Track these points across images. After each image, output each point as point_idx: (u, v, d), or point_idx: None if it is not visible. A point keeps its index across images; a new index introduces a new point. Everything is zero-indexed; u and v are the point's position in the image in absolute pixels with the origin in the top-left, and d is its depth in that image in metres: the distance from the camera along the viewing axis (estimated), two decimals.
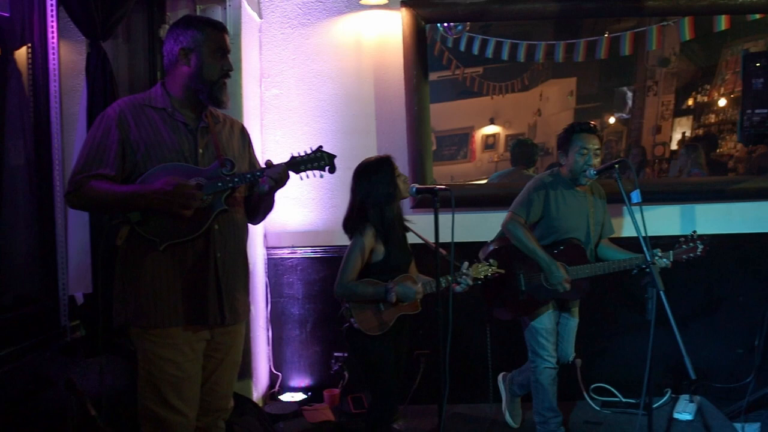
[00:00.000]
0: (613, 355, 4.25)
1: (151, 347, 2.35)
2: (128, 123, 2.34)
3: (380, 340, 3.00)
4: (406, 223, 3.22)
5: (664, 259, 3.35)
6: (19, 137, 2.92)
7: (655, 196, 4.19)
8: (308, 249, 4.27)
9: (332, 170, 2.55)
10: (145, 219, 2.30)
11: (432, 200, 2.81)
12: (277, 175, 2.45)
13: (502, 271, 3.23)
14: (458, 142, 4.67)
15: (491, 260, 3.18)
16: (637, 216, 2.95)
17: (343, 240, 3.15)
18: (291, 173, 2.50)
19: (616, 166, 3.18)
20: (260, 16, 4.30)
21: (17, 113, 2.92)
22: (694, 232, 3.33)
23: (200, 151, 2.42)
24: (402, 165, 4.09)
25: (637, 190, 3.05)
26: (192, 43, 2.39)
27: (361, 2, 4.23)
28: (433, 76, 4.33)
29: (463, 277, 3.05)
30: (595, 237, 3.55)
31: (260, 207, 2.64)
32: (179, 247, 2.35)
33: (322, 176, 2.55)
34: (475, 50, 4.36)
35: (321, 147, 2.54)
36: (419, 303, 3.11)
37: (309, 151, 2.51)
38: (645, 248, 3.03)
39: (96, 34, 2.88)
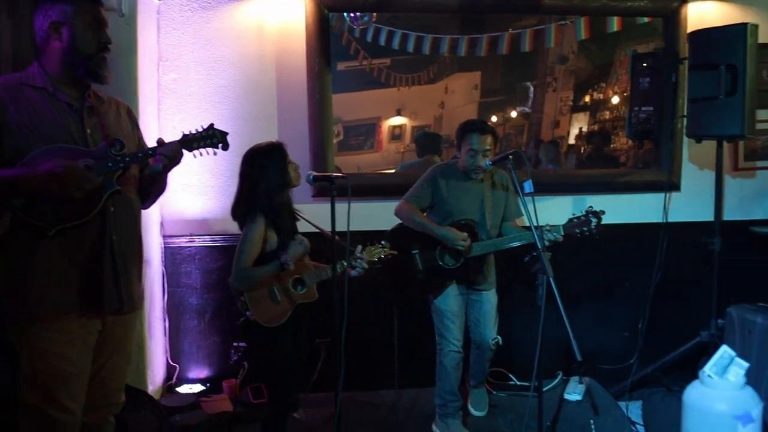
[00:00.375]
0: (508, 341, 4.38)
1: (40, 343, 2.24)
2: (4, 105, 2.22)
3: (278, 332, 2.95)
4: (297, 212, 3.17)
5: (554, 233, 3.40)
6: None
7: (550, 188, 4.36)
8: (207, 237, 4.17)
9: (225, 147, 2.54)
10: (29, 204, 2.18)
11: (329, 188, 2.79)
12: (171, 153, 2.40)
13: (395, 252, 3.28)
14: (365, 133, 4.68)
15: (383, 242, 3.22)
16: (530, 205, 3.07)
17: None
18: (184, 151, 2.47)
19: (510, 157, 3.28)
20: None
21: None
22: (590, 207, 3.41)
23: (88, 131, 2.33)
24: (303, 153, 4.13)
25: (530, 181, 3.15)
26: (62, 16, 2.28)
27: None
28: (340, 66, 4.33)
29: (358, 260, 3.07)
30: (493, 221, 3.65)
31: (152, 188, 2.58)
32: (71, 231, 2.24)
33: (215, 153, 2.54)
34: (382, 41, 4.39)
35: (213, 125, 2.53)
36: (315, 291, 3.09)
37: (201, 129, 2.50)
38: (536, 237, 3.14)
39: None
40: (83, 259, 2.28)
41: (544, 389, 4.05)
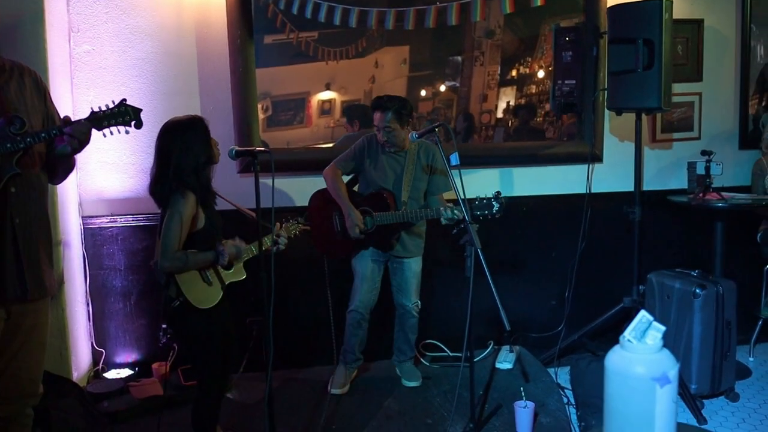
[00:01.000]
0: (440, 313, 4.44)
1: None
2: None
3: (211, 313, 2.83)
4: (215, 191, 3.00)
5: (455, 211, 3.42)
6: None
7: (477, 160, 4.41)
8: (129, 217, 4.01)
9: (138, 125, 2.36)
10: None
11: (252, 164, 2.71)
12: (80, 134, 2.23)
13: (308, 227, 3.47)
14: (294, 108, 4.58)
15: (299, 219, 3.33)
16: (457, 178, 3.09)
17: None
18: (93, 131, 2.29)
19: (436, 129, 3.29)
20: None
21: None
22: (498, 192, 3.46)
23: None
24: (227, 129, 4.04)
25: (456, 153, 3.16)
26: None
27: None
28: (267, 40, 4.20)
29: (280, 237, 3.08)
30: (411, 193, 3.73)
31: (59, 168, 2.41)
32: None
33: (128, 132, 2.38)
34: (308, 14, 4.28)
35: (124, 100, 2.36)
36: (243, 269, 3.02)
37: (111, 105, 2.32)
38: (464, 208, 3.17)
39: None
40: None
41: (476, 359, 4.13)
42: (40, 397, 2.45)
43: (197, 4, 4.06)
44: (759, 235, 4.61)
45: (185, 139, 2.76)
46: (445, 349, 4.45)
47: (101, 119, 2.30)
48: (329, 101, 4.41)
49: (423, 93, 4.67)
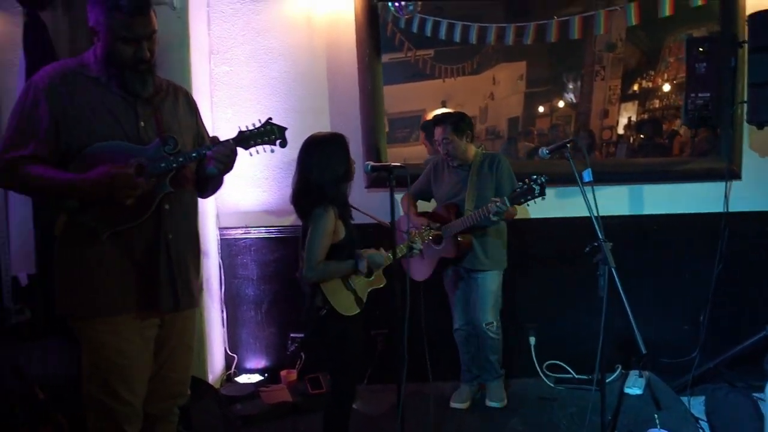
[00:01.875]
0: (565, 333, 4.33)
1: (96, 336, 2.23)
2: (59, 95, 2.15)
3: (356, 320, 2.91)
4: (351, 205, 3.07)
5: (499, 204, 3.38)
6: None
7: (605, 177, 4.27)
8: (262, 229, 4.20)
9: (283, 144, 2.41)
10: (83, 207, 2.15)
11: (387, 178, 2.76)
12: (225, 157, 2.29)
13: (440, 233, 3.55)
14: (410, 125, 4.65)
15: (431, 224, 3.36)
16: (589, 195, 3.00)
17: (297, 220, 3.03)
18: (240, 149, 2.36)
19: (568, 145, 3.21)
20: None
21: None
22: (536, 176, 3.35)
23: (141, 124, 2.25)
24: (356, 145, 4.06)
25: (589, 169, 3.07)
26: (96, 24, 2.16)
27: None
28: (384, 58, 4.30)
29: (415, 243, 3.08)
30: (478, 202, 3.64)
31: (208, 185, 2.52)
32: (125, 232, 2.21)
33: (273, 151, 2.41)
34: (428, 32, 4.33)
35: (270, 119, 2.41)
36: (383, 276, 3.05)
37: (258, 125, 2.37)
38: (597, 227, 3.07)
39: (33, 3, 2.72)
40: (139, 259, 2.25)
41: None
42: (188, 397, 2.59)
43: (328, 24, 4.21)
44: None
45: (327, 154, 2.85)
46: (570, 370, 4.33)
47: (248, 138, 2.36)
48: None
49: (540, 109, 4.60)
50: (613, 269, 3.00)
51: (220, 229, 4.17)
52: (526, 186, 3.36)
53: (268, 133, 2.38)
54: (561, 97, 4.45)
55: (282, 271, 4.22)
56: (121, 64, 2.17)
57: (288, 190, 4.02)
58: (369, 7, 4.14)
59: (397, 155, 4.34)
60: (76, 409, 2.49)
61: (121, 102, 2.24)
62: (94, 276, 2.21)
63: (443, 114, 3.82)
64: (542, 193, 3.35)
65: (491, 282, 3.76)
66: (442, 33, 4.36)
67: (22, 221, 2.78)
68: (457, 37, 4.33)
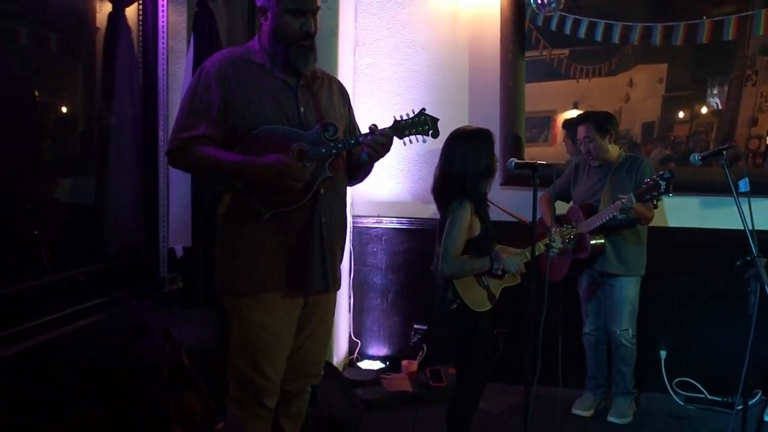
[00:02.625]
0: (699, 350, 4.09)
1: (249, 313, 2.33)
2: (228, 79, 2.27)
3: (486, 316, 2.89)
4: (489, 201, 3.05)
5: (625, 201, 3.28)
6: (128, 94, 3.00)
7: (758, 188, 3.97)
8: (394, 219, 4.26)
9: (435, 135, 2.41)
10: (248, 187, 2.26)
11: (531, 176, 2.72)
12: (380, 146, 2.33)
13: (582, 232, 3.48)
14: (540, 125, 4.54)
15: (573, 223, 3.33)
16: (744, 206, 2.81)
17: (429, 213, 3.06)
18: (395, 138, 2.38)
19: (723, 152, 3.02)
20: None
21: (127, 70, 3.00)
22: (666, 171, 3.18)
23: (301, 109, 2.33)
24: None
25: (746, 179, 2.89)
26: (266, 1, 2.25)
27: None
28: None
29: (554, 241, 3.05)
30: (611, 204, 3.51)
31: (359, 172, 2.57)
32: (283, 214, 2.30)
33: (425, 141, 2.41)
34: (567, 30, 4.20)
35: (424, 110, 2.41)
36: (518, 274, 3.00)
37: (412, 114, 2.39)
38: (751, 241, 2.87)
39: None
40: (293, 240, 2.34)
41: (740, 407, 3.74)
42: (321, 377, 2.68)
43: (472, 18, 4.20)
44: None
45: (472, 147, 2.84)
46: (703, 390, 4.08)
47: (403, 128, 2.37)
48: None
49: (680, 115, 4.35)
50: (766, 286, 2.80)
51: (354, 216, 4.28)
52: (652, 182, 3.22)
53: (422, 124, 2.39)
54: (704, 103, 4.17)
55: (410, 262, 4.27)
56: (288, 38, 2.25)
57: (422, 183, 4.24)
58: (515, 2, 4.08)
59: (525, 155, 4.25)
60: (216, 378, 2.66)
61: (283, 87, 2.33)
62: (252, 254, 2.31)
63: (587, 112, 3.75)
64: (668, 190, 3.18)
65: (627, 288, 3.62)
66: (582, 32, 4.20)
67: (181, 198, 3.00)
68: (599, 37, 4.15)
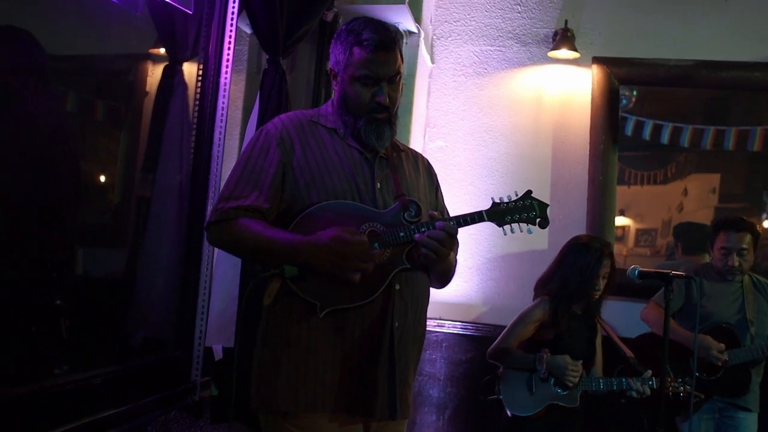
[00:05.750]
0: None
1: None
2: (292, 144, 1.88)
3: (522, 423, 2.81)
4: (601, 322, 3.04)
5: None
6: (176, 157, 2.62)
7: None
8: (458, 323, 3.74)
9: (544, 224, 1.97)
10: (303, 274, 1.80)
11: (665, 289, 2.20)
12: (438, 242, 1.84)
13: (701, 395, 2.96)
14: None
15: (687, 379, 2.90)
16: None
17: (499, 318, 3.00)
18: (494, 225, 1.94)
19: None
20: (432, 60, 3.94)
21: (177, 132, 2.63)
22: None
23: (378, 185, 1.91)
24: None
25: None
26: (335, 64, 1.92)
27: (549, 55, 3.77)
28: None
29: (642, 385, 2.82)
30: (758, 328, 3.22)
31: (433, 273, 2.06)
32: (345, 313, 1.84)
33: (530, 231, 1.97)
34: (628, 131, 3.83)
35: (530, 192, 1.99)
36: (577, 397, 2.83)
37: (515, 197, 1.97)
38: None
39: (277, 50, 2.54)
40: (355, 348, 1.86)
41: None
42: None
43: (558, 105, 3.83)
44: None
45: (575, 255, 2.94)
46: None
47: (504, 213, 1.94)
48: (622, 228, 3.98)
49: None
50: None
51: None
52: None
53: (527, 209, 1.96)
54: (758, 215, 3.85)
55: (474, 374, 3.70)
56: (357, 108, 1.88)
57: (493, 285, 3.76)
58: (608, 90, 3.71)
59: None
60: None
61: (358, 157, 1.92)
62: (299, 362, 1.83)
63: (741, 218, 3.35)
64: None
65: (755, 425, 3.20)
66: (647, 133, 3.84)
67: (227, 287, 2.48)
68: (646, 135, 3.82)
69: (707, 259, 3.98)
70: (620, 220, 3.92)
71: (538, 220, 1.96)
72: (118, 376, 2.20)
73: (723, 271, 3.25)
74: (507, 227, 1.96)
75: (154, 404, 2.29)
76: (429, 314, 3.71)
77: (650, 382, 2.84)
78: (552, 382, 2.82)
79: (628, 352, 2.93)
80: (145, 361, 2.39)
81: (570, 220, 3.70)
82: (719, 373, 3.09)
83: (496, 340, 2.93)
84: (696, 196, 3.90)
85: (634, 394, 2.82)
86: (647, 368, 2.91)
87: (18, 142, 2.13)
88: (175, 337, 2.54)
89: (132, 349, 2.43)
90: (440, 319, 3.75)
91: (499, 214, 1.94)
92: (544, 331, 2.88)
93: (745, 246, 3.20)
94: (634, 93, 3.89)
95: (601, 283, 2.91)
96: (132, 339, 2.43)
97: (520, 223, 1.96)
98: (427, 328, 3.69)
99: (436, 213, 1.90)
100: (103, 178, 2.82)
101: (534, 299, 2.98)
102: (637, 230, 4.04)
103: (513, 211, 1.95)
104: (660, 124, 3.82)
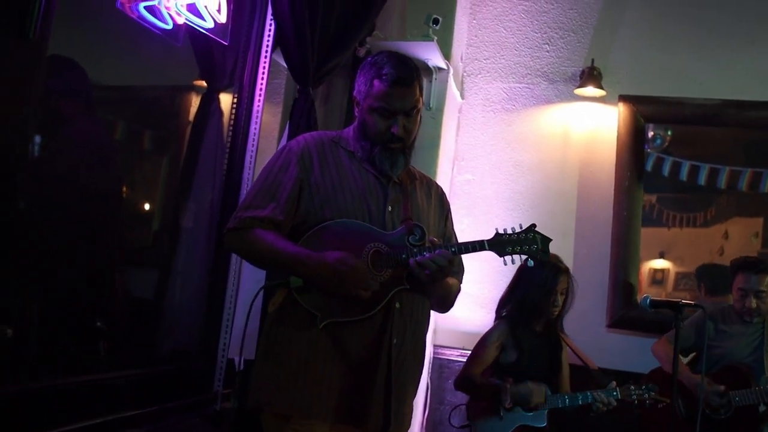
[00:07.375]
0: None
1: None
2: (311, 162, 1.99)
3: None
4: (564, 337, 3.09)
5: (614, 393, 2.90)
6: (209, 180, 2.76)
7: None
8: None
9: (544, 257, 2.05)
10: (307, 286, 1.90)
11: (674, 318, 2.23)
12: (433, 266, 1.91)
13: (667, 400, 2.91)
14: None
15: (650, 385, 2.90)
16: None
17: None
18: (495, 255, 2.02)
19: None
20: (462, 96, 4.05)
21: (212, 155, 2.78)
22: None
23: (389, 208, 2.00)
24: (602, 275, 3.69)
25: None
26: (358, 93, 2.03)
27: (575, 92, 3.85)
28: None
29: (606, 397, 2.83)
30: None
31: (432, 294, 2.12)
32: (344, 325, 1.92)
33: (531, 264, 2.05)
34: (665, 172, 3.82)
35: (534, 226, 2.07)
36: (545, 417, 2.86)
37: (518, 230, 2.04)
38: None
39: (307, 81, 2.68)
40: (352, 360, 1.93)
41: None
42: None
43: (585, 141, 3.88)
44: None
45: (531, 276, 2.97)
46: None
47: (505, 244, 2.02)
48: (662, 271, 3.90)
49: None
50: None
51: (435, 346, 3.79)
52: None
53: (528, 242, 2.04)
54: None
55: None
56: (374, 136, 1.99)
57: None
58: (634, 128, 3.77)
59: None
60: None
61: (373, 180, 2.03)
62: (298, 367, 1.91)
63: (760, 260, 3.33)
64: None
65: None
66: (684, 174, 3.83)
67: (249, 298, 2.58)
68: (683, 176, 3.79)
69: (731, 300, 3.93)
70: (660, 263, 3.87)
71: (539, 252, 2.04)
72: (144, 378, 2.32)
73: (741, 312, 3.22)
74: (508, 258, 2.03)
75: (177, 410, 2.39)
76: (452, 344, 3.81)
77: (614, 393, 2.84)
78: (517, 409, 2.86)
79: (592, 364, 3.00)
80: (169, 368, 2.50)
81: (593, 253, 3.72)
82: (729, 412, 3.02)
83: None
84: (737, 240, 3.81)
85: (600, 405, 2.82)
86: (662, 398, 2.92)
87: (65, 163, 2.30)
88: (200, 348, 2.65)
89: (159, 358, 2.53)
90: (464, 349, 3.75)
91: (500, 244, 2.02)
92: (507, 352, 2.95)
93: (763, 288, 3.17)
94: (669, 133, 3.90)
95: (560, 299, 2.98)
96: (160, 349, 2.54)
97: (522, 254, 2.04)
98: (451, 358, 3.75)
99: (435, 239, 1.99)
100: (147, 205, 2.96)
101: (494, 321, 3.08)
102: (677, 273, 3.96)
103: (515, 243, 2.03)
104: (697, 166, 3.81)
